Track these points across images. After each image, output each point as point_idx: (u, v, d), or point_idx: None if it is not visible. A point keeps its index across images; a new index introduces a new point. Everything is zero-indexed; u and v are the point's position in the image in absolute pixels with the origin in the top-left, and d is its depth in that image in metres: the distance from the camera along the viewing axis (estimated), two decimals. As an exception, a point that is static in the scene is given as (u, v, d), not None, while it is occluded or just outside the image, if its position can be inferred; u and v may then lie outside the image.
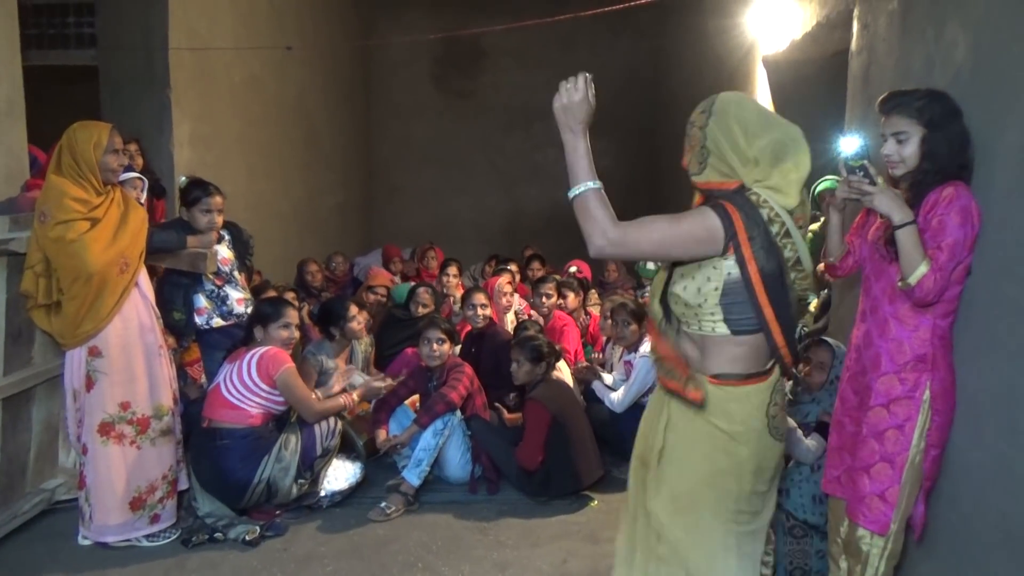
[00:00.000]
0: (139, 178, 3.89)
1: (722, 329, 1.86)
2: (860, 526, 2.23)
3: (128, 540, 3.22)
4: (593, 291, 6.26)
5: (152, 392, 3.19)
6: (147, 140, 4.88)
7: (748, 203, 1.81)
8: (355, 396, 3.69)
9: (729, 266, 1.82)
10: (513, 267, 6.45)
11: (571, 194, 1.81)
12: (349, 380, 4.25)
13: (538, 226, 10.70)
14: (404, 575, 3.03)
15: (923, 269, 2.06)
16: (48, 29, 5.11)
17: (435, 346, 3.87)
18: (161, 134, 4.97)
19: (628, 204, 10.75)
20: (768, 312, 1.82)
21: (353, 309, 4.32)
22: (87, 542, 3.22)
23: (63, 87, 5.76)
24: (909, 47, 2.62)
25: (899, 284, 2.12)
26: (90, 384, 3.07)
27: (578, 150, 1.82)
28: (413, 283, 5.66)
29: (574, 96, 1.81)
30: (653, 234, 1.80)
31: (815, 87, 4.31)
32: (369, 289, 5.56)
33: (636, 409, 4.05)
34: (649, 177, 10.45)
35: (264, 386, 3.39)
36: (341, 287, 6.62)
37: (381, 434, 3.91)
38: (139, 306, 3.15)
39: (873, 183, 2.16)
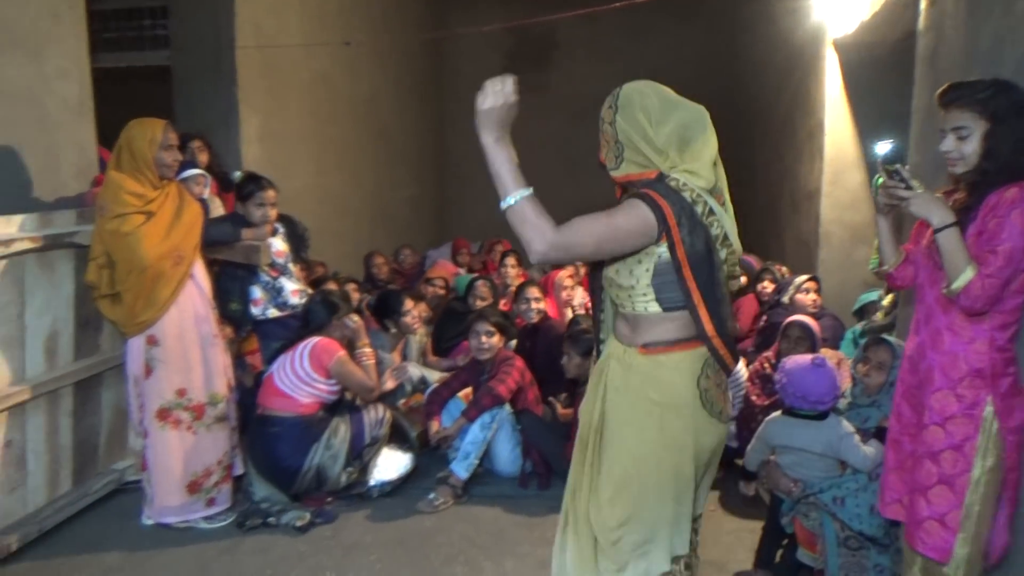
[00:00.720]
0: (202, 175, 4.01)
1: (654, 308, 1.90)
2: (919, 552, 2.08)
3: (187, 521, 3.33)
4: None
5: (207, 380, 3.29)
6: (216, 136, 5.04)
7: (670, 189, 1.83)
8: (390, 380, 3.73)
9: (661, 251, 1.85)
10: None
11: (504, 205, 1.76)
12: (406, 375, 4.30)
13: (610, 219, 10.55)
14: (445, 568, 3.03)
15: (968, 274, 1.89)
16: (125, 32, 5.34)
17: (484, 339, 3.85)
18: (229, 130, 5.14)
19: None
20: (696, 293, 1.85)
21: (408, 303, 4.35)
22: (150, 522, 3.36)
23: (141, 87, 6.02)
24: (977, 24, 2.42)
25: (944, 291, 1.97)
26: (148, 371, 3.19)
27: (501, 158, 1.75)
28: (474, 275, 5.66)
29: (500, 100, 1.73)
30: (591, 235, 1.78)
31: (887, 71, 4.07)
32: (428, 281, 5.60)
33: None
34: (727, 170, 10.12)
35: (317, 376, 3.45)
36: (409, 280, 6.69)
37: (433, 425, 3.93)
38: (195, 297, 3.25)
39: (908, 187, 2.01)
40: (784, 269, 5.18)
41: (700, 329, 1.87)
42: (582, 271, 6.00)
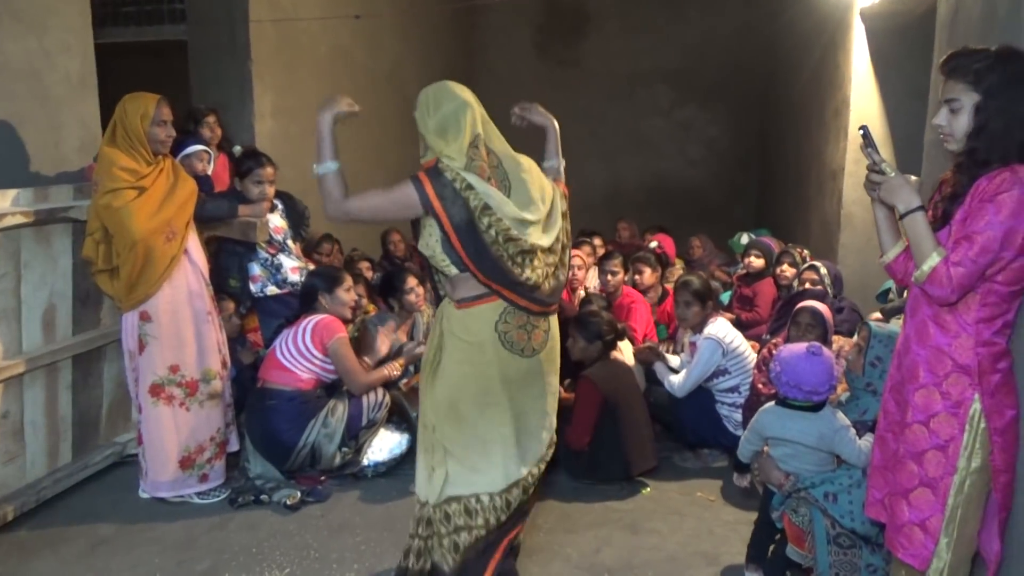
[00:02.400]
0: (205, 150, 3.99)
1: (453, 270, 2.34)
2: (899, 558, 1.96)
3: (181, 496, 3.36)
4: (677, 267, 5.97)
5: (200, 356, 3.29)
6: (230, 112, 5.03)
7: (437, 171, 2.30)
8: (398, 365, 3.67)
9: (433, 223, 2.29)
10: (597, 241, 6.24)
11: (315, 171, 2.34)
12: (413, 355, 4.25)
13: (639, 198, 10.36)
14: (430, 551, 2.99)
15: (933, 261, 1.76)
16: (144, 6, 5.34)
17: None
18: (243, 105, 5.12)
19: (738, 174, 10.29)
20: (463, 255, 2.28)
21: (411, 281, 4.30)
22: (146, 495, 3.39)
23: (162, 62, 6.04)
24: (994, -11, 2.24)
25: (912, 279, 1.83)
26: (142, 347, 3.20)
27: (323, 132, 2.39)
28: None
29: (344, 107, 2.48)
30: (369, 206, 2.35)
31: (914, 43, 3.84)
32: (442, 260, 5.53)
33: (698, 395, 3.82)
34: (759, 148, 9.83)
35: (317, 353, 3.44)
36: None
37: None
38: (188, 273, 3.25)
39: (870, 146, 1.90)
40: (805, 252, 4.99)
41: (483, 283, 2.32)
42: (599, 251, 5.89)
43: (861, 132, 1.99)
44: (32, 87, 3.38)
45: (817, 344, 2.60)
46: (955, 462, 1.86)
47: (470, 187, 2.26)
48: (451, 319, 2.43)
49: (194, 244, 3.31)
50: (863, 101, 4.66)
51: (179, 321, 3.22)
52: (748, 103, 9.83)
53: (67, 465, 3.47)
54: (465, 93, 2.40)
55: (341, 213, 2.31)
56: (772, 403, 2.69)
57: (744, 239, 6.07)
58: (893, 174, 1.91)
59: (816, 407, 2.56)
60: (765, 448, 2.73)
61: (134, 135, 3.09)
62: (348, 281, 3.69)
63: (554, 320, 2.56)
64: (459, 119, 2.32)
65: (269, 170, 3.64)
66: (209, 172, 4.12)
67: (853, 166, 4.73)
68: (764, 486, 2.76)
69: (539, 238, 2.37)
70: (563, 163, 2.79)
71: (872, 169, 1.96)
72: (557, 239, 2.46)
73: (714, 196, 10.21)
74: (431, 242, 2.33)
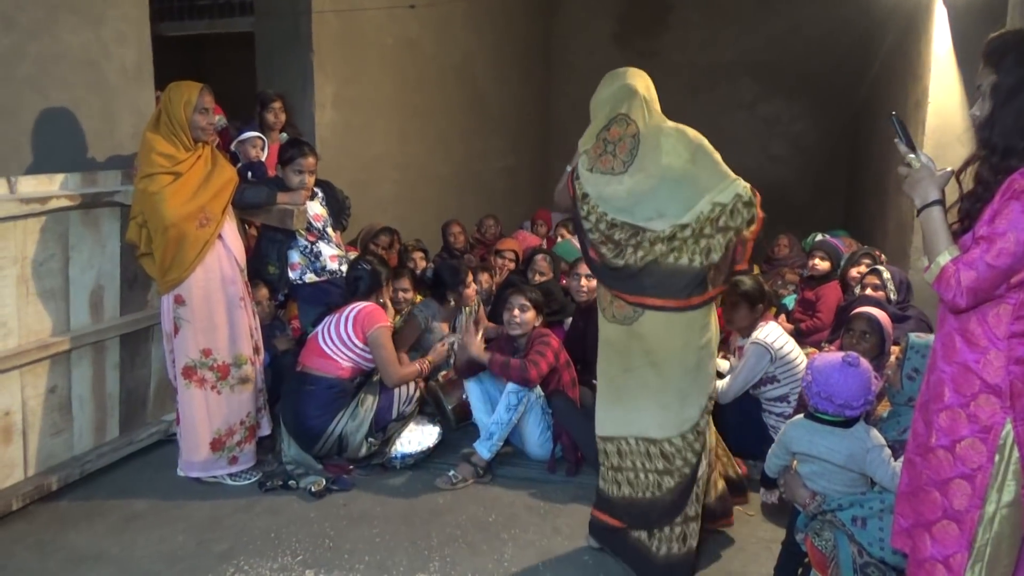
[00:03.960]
0: (259, 137, 4.07)
1: None
2: None
3: (215, 477, 3.43)
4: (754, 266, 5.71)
5: (232, 341, 3.35)
6: (293, 101, 5.12)
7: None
8: (428, 362, 3.64)
9: None
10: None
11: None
12: (453, 347, 4.22)
13: (720, 195, 9.98)
14: (444, 548, 2.94)
15: (942, 260, 1.55)
16: (218, 0, 5.51)
17: (516, 312, 3.67)
18: (305, 96, 5.20)
19: (825, 172, 9.85)
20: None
21: (470, 276, 4.26)
22: (183, 474, 3.49)
23: (236, 54, 6.23)
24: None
25: (924, 275, 1.63)
26: (176, 330, 3.28)
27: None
28: (535, 248, 5.48)
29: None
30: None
31: (998, 25, 3.48)
32: (497, 253, 5.48)
33: (744, 402, 3.61)
34: (848, 146, 9.29)
35: (357, 341, 3.45)
36: (490, 250, 6.61)
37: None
38: (222, 258, 3.30)
39: (904, 140, 1.69)
40: (882, 256, 4.65)
41: None
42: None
43: (892, 121, 1.80)
44: (89, 77, 3.51)
45: (854, 354, 2.38)
46: (983, 494, 1.65)
47: (576, 176, 2.61)
48: None
49: (230, 230, 3.36)
50: (943, 92, 4.29)
51: (211, 305, 3.28)
52: (837, 98, 9.30)
53: (113, 440, 3.61)
54: (630, 79, 2.60)
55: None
56: (801, 415, 2.50)
57: (818, 239, 5.74)
58: (918, 165, 1.72)
59: (848, 423, 2.35)
60: (793, 463, 2.53)
61: (176, 122, 3.16)
62: (404, 282, 3.92)
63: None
64: (601, 103, 2.58)
65: (311, 159, 3.66)
66: (263, 158, 4.19)
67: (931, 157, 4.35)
68: (792, 504, 2.56)
69: (658, 224, 2.48)
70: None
71: (901, 162, 1.77)
72: (690, 220, 2.46)
73: (798, 195, 9.72)
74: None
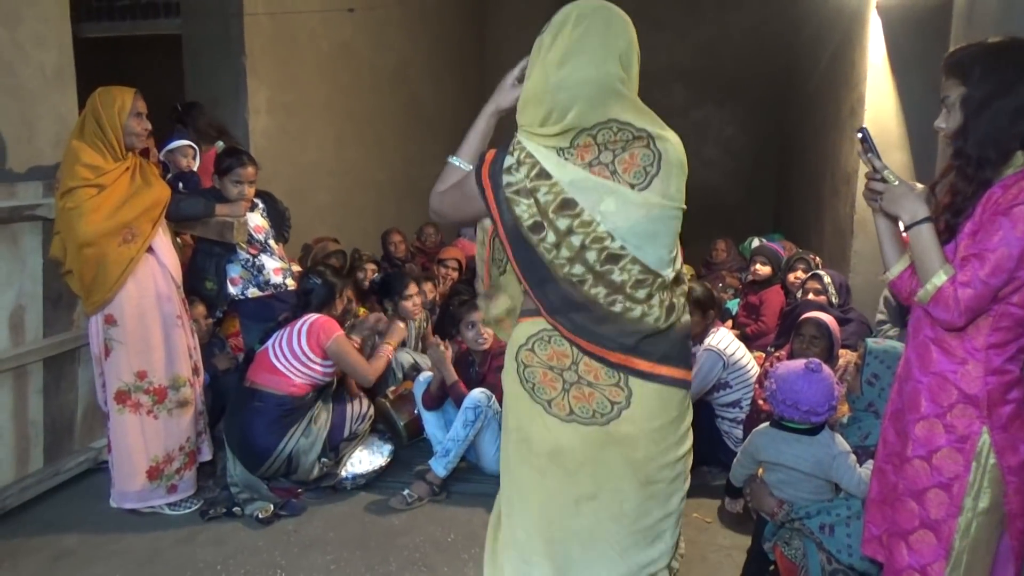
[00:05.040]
0: (190, 146, 3.87)
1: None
2: None
3: (152, 506, 3.23)
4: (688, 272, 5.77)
5: (169, 362, 3.15)
6: (224, 107, 4.92)
7: (503, 147, 1.69)
8: (390, 345, 3.59)
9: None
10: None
11: (450, 159, 1.83)
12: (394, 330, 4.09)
13: (654, 199, 10.13)
14: (403, 572, 2.83)
15: (938, 280, 1.56)
16: (140, 0, 5.24)
17: (483, 329, 3.59)
18: (237, 101, 4.99)
19: (755, 176, 10.08)
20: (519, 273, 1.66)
21: (412, 288, 4.14)
22: (116, 505, 3.26)
23: (158, 57, 5.95)
24: (1010, -25, 2.04)
25: (916, 299, 1.64)
26: (107, 352, 3.07)
27: (476, 127, 1.86)
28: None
29: (505, 80, 1.84)
30: (445, 196, 1.82)
31: (933, 36, 3.61)
32: (440, 262, 5.38)
33: (697, 408, 3.56)
34: (777, 149, 9.56)
35: (312, 355, 3.30)
36: (431, 259, 6.50)
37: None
38: (157, 275, 3.11)
39: (870, 151, 1.72)
40: (817, 259, 4.77)
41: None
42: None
43: (859, 136, 1.79)
44: (3, 81, 3.25)
45: (816, 360, 2.40)
46: (960, 502, 1.66)
47: (541, 174, 1.57)
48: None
49: (163, 244, 3.16)
50: (879, 99, 4.43)
51: (146, 325, 3.08)
52: (765, 102, 9.57)
53: (38, 472, 3.35)
54: (616, 48, 1.65)
55: (432, 212, 1.83)
56: (767, 424, 2.50)
57: (756, 244, 5.86)
58: (896, 182, 1.72)
59: (814, 429, 2.37)
60: (759, 472, 2.54)
61: (109, 128, 2.97)
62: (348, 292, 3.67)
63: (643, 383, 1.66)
64: (572, 102, 1.59)
65: (250, 170, 3.49)
66: (195, 167, 3.99)
67: (867, 168, 4.49)
68: (757, 513, 2.56)
69: (668, 271, 1.64)
70: None
71: (872, 177, 1.77)
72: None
73: (730, 198, 9.96)
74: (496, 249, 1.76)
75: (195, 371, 3.30)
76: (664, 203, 1.59)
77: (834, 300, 3.98)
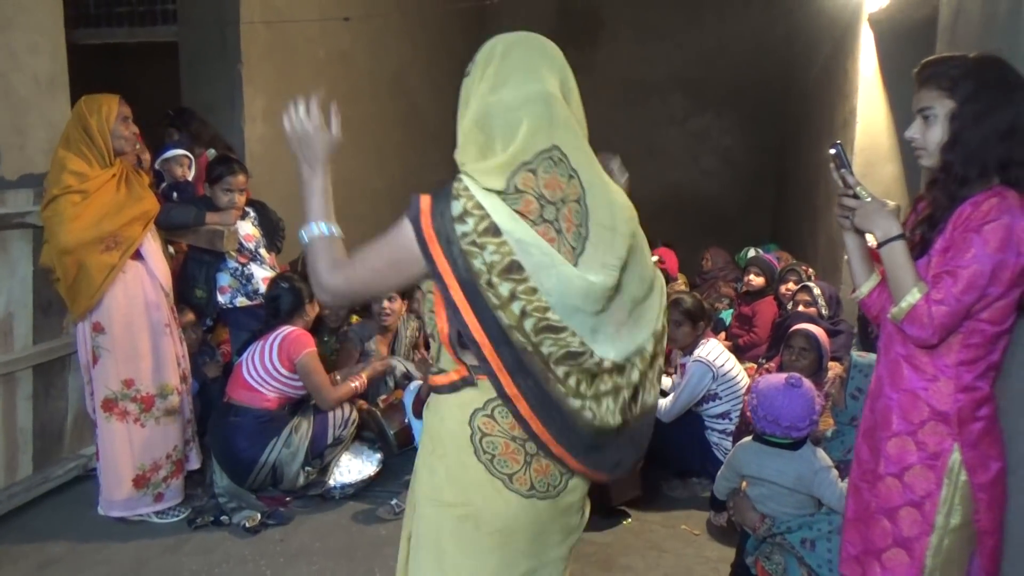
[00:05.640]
0: (185, 155, 3.88)
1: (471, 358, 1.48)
2: None
3: (140, 515, 3.23)
4: (679, 283, 5.77)
5: (157, 370, 3.16)
6: (220, 114, 4.92)
7: (446, 193, 1.41)
8: (363, 376, 3.54)
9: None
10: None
11: (300, 237, 1.54)
12: (391, 369, 4.11)
13: (653, 209, 10.09)
14: (387, 584, 2.83)
15: (912, 298, 1.56)
16: (138, 7, 5.26)
17: None
18: (233, 108, 5.00)
19: (753, 186, 10.02)
20: (476, 332, 1.38)
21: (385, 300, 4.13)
22: (104, 513, 3.26)
23: (158, 64, 5.96)
24: (993, -8, 2.04)
25: (888, 316, 1.64)
26: (95, 359, 3.08)
27: (311, 186, 1.57)
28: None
29: (304, 126, 1.59)
30: (361, 269, 1.50)
31: (924, 48, 3.61)
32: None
33: (687, 420, 3.62)
34: (776, 160, 9.55)
35: (283, 370, 3.30)
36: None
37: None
38: (145, 283, 3.12)
39: (843, 167, 1.72)
40: (810, 271, 4.77)
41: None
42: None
43: (833, 151, 1.79)
44: (-6, 88, 3.27)
45: (797, 375, 2.40)
46: (932, 520, 1.66)
47: (491, 230, 1.35)
48: (428, 405, 1.60)
49: (153, 252, 3.17)
50: (871, 111, 4.43)
51: (134, 333, 3.09)
52: (764, 112, 9.56)
53: (26, 479, 3.35)
54: (548, 70, 1.49)
55: (327, 294, 1.52)
56: (749, 438, 2.50)
57: (751, 254, 5.85)
58: (869, 198, 1.72)
59: (795, 444, 2.36)
60: (743, 485, 2.53)
61: (98, 134, 2.98)
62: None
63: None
64: (517, 120, 1.42)
65: (240, 178, 3.50)
66: (190, 177, 4.00)
67: (860, 180, 4.48)
68: (741, 527, 2.56)
69: (607, 348, 1.42)
70: None
71: (844, 193, 1.77)
72: (648, 345, 1.50)
73: (728, 208, 9.95)
74: (425, 308, 1.52)
75: (183, 379, 3.30)
76: (596, 280, 1.38)
77: (824, 312, 3.98)
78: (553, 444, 1.42)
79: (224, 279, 3.57)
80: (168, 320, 3.20)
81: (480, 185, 1.39)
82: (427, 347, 4.57)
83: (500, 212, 1.36)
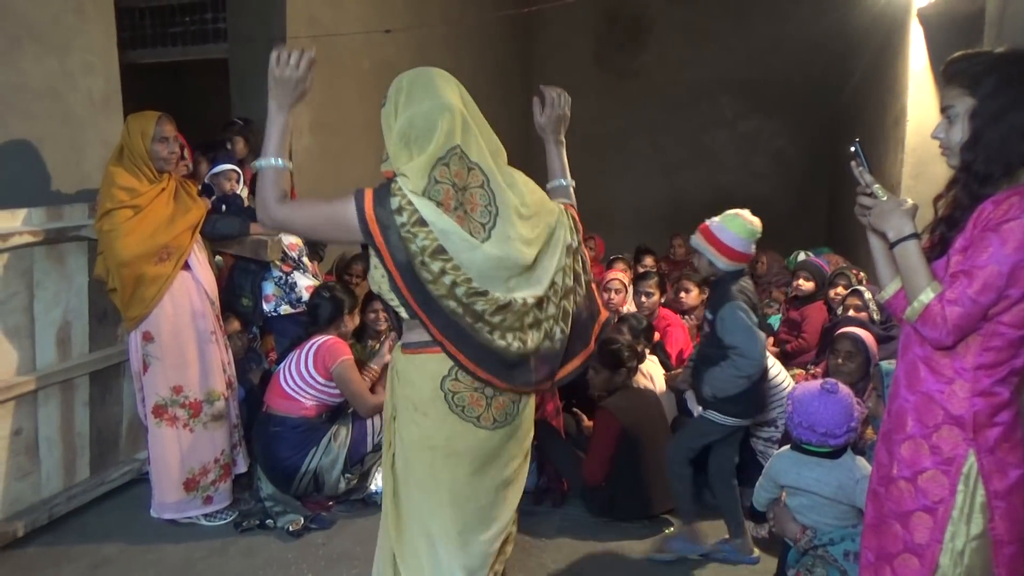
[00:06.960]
0: (233, 170, 3.98)
1: (404, 313, 1.85)
2: None
3: (190, 517, 3.32)
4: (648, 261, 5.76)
5: (204, 377, 3.25)
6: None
7: (387, 190, 1.77)
8: (375, 370, 3.59)
9: (375, 254, 1.81)
10: (649, 260, 6.03)
11: (257, 165, 1.90)
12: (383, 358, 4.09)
13: (702, 213, 9.92)
14: (425, 589, 2.84)
15: (925, 298, 1.51)
16: (191, 27, 5.44)
17: None
18: (280, 122, 5.12)
19: (807, 188, 9.76)
20: (413, 304, 1.79)
21: (376, 303, 4.12)
22: (156, 516, 3.37)
23: (213, 81, 6.15)
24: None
25: (904, 316, 1.58)
26: (145, 367, 3.19)
27: (276, 123, 1.93)
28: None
29: (287, 72, 1.93)
30: (304, 217, 1.90)
31: (972, 43, 3.49)
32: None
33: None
34: (829, 161, 9.30)
35: (320, 378, 3.35)
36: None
37: None
38: (192, 292, 3.22)
39: (861, 165, 1.71)
40: (862, 275, 4.63)
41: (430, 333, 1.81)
42: (638, 270, 5.66)
43: (853, 149, 1.76)
44: (53, 107, 3.43)
45: (833, 381, 2.34)
46: (944, 527, 1.59)
47: (420, 222, 1.74)
48: (396, 370, 1.97)
49: (199, 262, 3.28)
50: (922, 109, 4.29)
51: (182, 341, 3.19)
52: (817, 114, 9.33)
53: (84, 481, 3.49)
54: (448, 90, 1.85)
55: (269, 219, 1.89)
56: (787, 447, 2.44)
57: (801, 257, 5.72)
58: (885, 197, 1.68)
59: (835, 453, 2.30)
60: (782, 495, 2.47)
61: (137, 153, 3.10)
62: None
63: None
64: (431, 125, 1.77)
65: (283, 188, 3.58)
66: (238, 191, 4.11)
67: (911, 180, 4.35)
68: (782, 538, 2.50)
69: (523, 289, 1.84)
70: (572, 183, 2.30)
71: (862, 192, 1.73)
72: (553, 285, 1.90)
73: (781, 211, 9.68)
74: (376, 276, 1.86)
75: (229, 385, 3.39)
76: (501, 255, 1.79)
77: (876, 317, 3.85)
78: (480, 372, 1.83)
79: (269, 288, 3.67)
80: (214, 328, 3.30)
81: (409, 188, 1.76)
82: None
83: (426, 208, 1.75)
